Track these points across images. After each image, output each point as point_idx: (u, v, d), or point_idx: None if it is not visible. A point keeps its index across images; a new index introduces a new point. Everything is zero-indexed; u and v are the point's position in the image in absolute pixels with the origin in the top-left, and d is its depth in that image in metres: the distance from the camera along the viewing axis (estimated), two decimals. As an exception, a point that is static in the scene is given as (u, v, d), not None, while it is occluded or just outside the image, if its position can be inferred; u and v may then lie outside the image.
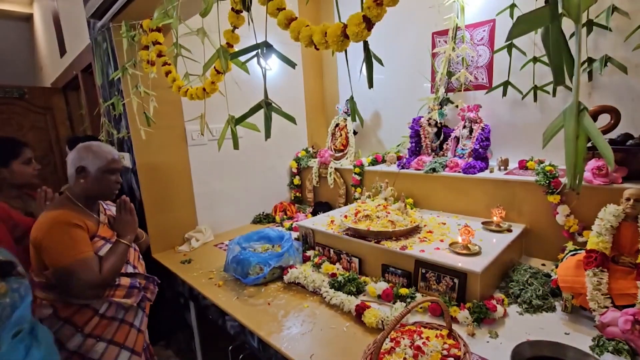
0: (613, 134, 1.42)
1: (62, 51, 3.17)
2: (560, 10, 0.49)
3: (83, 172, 1.25)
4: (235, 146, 1.12)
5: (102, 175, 1.28)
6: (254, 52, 0.97)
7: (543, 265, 1.50)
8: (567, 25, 0.50)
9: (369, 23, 0.73)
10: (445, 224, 1.70)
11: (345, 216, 1.69)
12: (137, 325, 1.28)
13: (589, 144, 0.50)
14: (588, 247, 1.15)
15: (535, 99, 1.70)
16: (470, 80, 1.95)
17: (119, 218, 1.38)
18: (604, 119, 1.42)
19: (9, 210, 1.45)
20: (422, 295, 1.32)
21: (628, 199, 1.12)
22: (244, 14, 1.12)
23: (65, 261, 1.10)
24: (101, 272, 1.16)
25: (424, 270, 1.33)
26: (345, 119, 2.52)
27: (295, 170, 2.72)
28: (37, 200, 1.53)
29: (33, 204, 1.56)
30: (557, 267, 1.32)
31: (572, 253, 1.28)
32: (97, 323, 1.18)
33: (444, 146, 2.06)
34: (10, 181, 1.50)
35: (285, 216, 2.50)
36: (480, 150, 1.83)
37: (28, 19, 4.56)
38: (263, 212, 2.58)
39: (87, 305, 1.17)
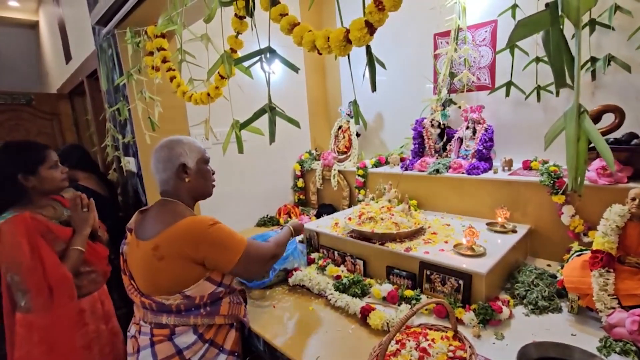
0: (617, 133, 1.42)
1: (68, 57, 3.21)
2: (559, 13, 0.49)
3: (185, 169, 1.13)
4: (240, 150, 1.14)
5: (204, 167, 1.19)
6: (258, 57, 0.98)
7: (548, 265, 1.50)
8: (569, 24, 0.50)
9: (371, 28, 0.74)
10: (449, 225, 1.69)
11: (350, 218, 1.70)
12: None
13: (592, 144, 0.50)
14: (594, 247, 1.15)
15: (538, 99, 1.70)
16: (473, 81, 1.95)
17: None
18: (608, 119, 1.42)
19: (47, 222, 1.33)
20: (427, 297, 1.32)
21: (633, 199, 1.11)
22: (247, 19, 1.13)
23: (238, 254, 1.07)
24: (269, 242, 1.23)
25: (428, 272, 1.33)
26: (348, 121, 2.53)
27: (298, 173, 2.73)
28: (73, 207, 1.43)
29: (65, 211, 1.46)
30: (562, 267, 1.32)
31: (577, 253, 1.28)
32: (232, 338, 1.17)
33: (447, 147, 2.06)
34: (39, 189, 1.36)
35: (289, 219, 2.51)
36: (483, 151, 1.83)
37: (34, 26, 4.63)
38: (267, 215, 2.59)
39: (229, 324, 1.17)
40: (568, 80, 0.51)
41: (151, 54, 1.70)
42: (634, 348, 0.96)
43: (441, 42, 2.07)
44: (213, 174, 1.26)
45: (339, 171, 2.45)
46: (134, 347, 1.12)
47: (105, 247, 1.58)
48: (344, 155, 2.52)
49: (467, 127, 1.94)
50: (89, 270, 1.45)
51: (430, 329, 1.05)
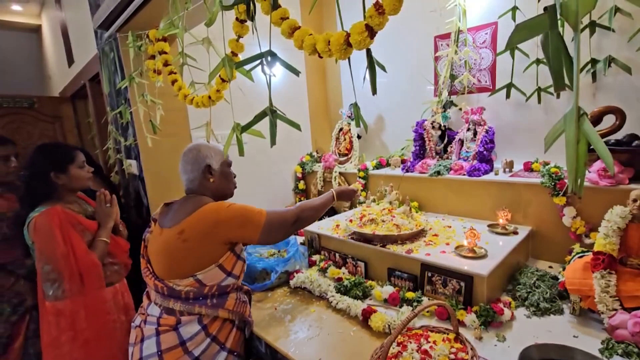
0: (618, 135, 1.42)
1: (70, 61, 3.23)
2: (558, 17, 0.49)
3: (210, 170, 1.24)
4: (241, 153, 1.14)
5: (226, 170, 1.30)
6: (259, 61, 0.99)
7: (550, 267, 1.50)
8: (569, 27, 0.50)
9: (371, 31, 0.74)
10: (450, 227, 1.69)
11: (351, 220, 1.70)
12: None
13: (592, 146, 0.51)
14: (595, 249, 1.15)
15: (539, 101, 1.70)
16: (474, 83, 1.95)
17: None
18: (609, 120, 1.42)
19: (76, 215, 1.44)
20: (429, 299, 1.32)
21: (635, 200, 1.11)
22: (248, 23, 1.14)
23: (260, 224, 1.14)
24: (293, 207, 1.27)
25: (430, 274, 1.33)
26: (349, 124, 2.54)
27: (300, 175, 2.74)
28: (98, 202, 1.54)
29: (89, 207, 1.56)
30: (564, 269, 1.31)
31: (579, 255, 1.28)
32: (234, 337, 1.20)
33: (448, 149, 2.06)
34: (68, 186, 1.47)
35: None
36: (484, 152, 1.83)
37: (36, 30, 4.66)
38: (268, 217, 2.59)
39: (230, 320, 1.19)
40: (567, 82, 0.51)
41: (153, 57, 1.71)
42: (636, 350, 0.96)
43: (441, 45, 2.07)
44: (234, 177, 1.35)
45: (340, 173, 2.45)
46: (137, 336, 1.16)
47: (126, 241, 1.65)
48: (345, 157, 2.53)
49: (468, 129, 1.94)
50: (112, 262, 1.53)
51: (432, 331, 1.05)
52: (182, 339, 1.10)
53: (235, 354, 1.20)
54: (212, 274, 1.13)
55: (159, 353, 1.08)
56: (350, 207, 2.39)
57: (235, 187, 1.36)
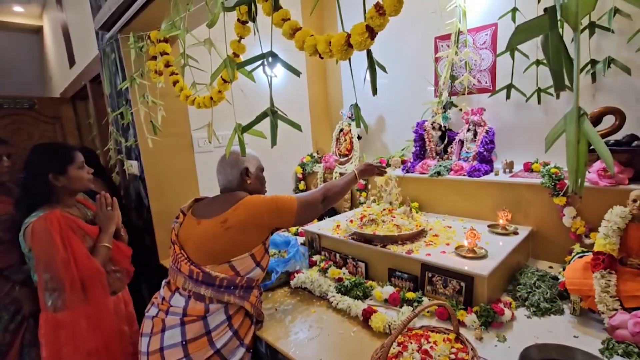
0: (618, 135, 1.42)
1: (71, 62, 3.24)
2: (558, 18, 0.50)
3: (248, 172, 1.35)
4: (243, 153, 1.14)
5: (260, 174, 1.42)
6: (260, 62, 0.99)
7: (550, 267, 1.50)
8: (569, 27, 0.51)
9: (372, 32, 0.75)
10: (451, 227, 1.70)
11: (351, 220, 1.70)
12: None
13: (592, 146, 0.51)
14: (595, 249, 1.15)
15: (539, 101, 1.70)
16: (474, 84, 1.96)
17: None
18: (609, 121, 1.42)
19: (76, 220, 1.38)
20: (429, 299, 1.32)
21: (635, 200, 1.11)
22: (250, 24, 1.14)
23: (294, 209, 1.25)
24: (317, 188, 1.36)
25: (430, 274, 1.34)
26: (350, 124, 2.54)
27: (300, 176, 2.74)
28: (99, 206, 1.47)
29: (89, 211, 1.51)
30: (564, 269, 1.32)
31: (579, 255, 1.28)
32: (251, 334, 1.24)
33: (449, 150, 2.06)
34: (68, 188, 1.40)
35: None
36: (484, 153, 1.83)
37: (38, 31, 4.67)
38: (269, 218, 2.59)
39: (249, 315, 1.26)
40: (567, 83, 0.52)
41: (154, 58, 1.71)
42: (636, 350, 0.96)
43: (442, 45, 2.08)
44: (265, 182, 1.47)
45: (341, 174, 2.45)
46: (154, 326, 1.17)
47: (128, 247, 1.60)
48: (346, 158, 2.53)
49: (468, 130, 1.94)
50: (114, 269, 1.48)
51: (432, 332, 1.05)
52: (207, 329, 1.14)
53: (251, 351, 1.25)
54: (244, 261, 1.22)
55: (184, 343, 1.11)
56: (351, 207, 2.40)
57: (266, 191, 1.46)
